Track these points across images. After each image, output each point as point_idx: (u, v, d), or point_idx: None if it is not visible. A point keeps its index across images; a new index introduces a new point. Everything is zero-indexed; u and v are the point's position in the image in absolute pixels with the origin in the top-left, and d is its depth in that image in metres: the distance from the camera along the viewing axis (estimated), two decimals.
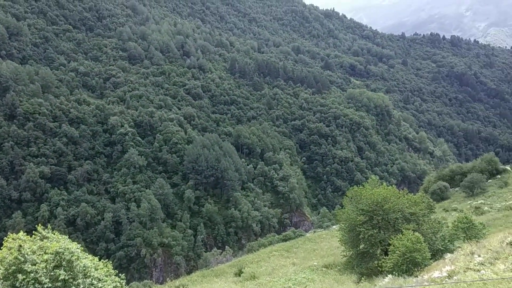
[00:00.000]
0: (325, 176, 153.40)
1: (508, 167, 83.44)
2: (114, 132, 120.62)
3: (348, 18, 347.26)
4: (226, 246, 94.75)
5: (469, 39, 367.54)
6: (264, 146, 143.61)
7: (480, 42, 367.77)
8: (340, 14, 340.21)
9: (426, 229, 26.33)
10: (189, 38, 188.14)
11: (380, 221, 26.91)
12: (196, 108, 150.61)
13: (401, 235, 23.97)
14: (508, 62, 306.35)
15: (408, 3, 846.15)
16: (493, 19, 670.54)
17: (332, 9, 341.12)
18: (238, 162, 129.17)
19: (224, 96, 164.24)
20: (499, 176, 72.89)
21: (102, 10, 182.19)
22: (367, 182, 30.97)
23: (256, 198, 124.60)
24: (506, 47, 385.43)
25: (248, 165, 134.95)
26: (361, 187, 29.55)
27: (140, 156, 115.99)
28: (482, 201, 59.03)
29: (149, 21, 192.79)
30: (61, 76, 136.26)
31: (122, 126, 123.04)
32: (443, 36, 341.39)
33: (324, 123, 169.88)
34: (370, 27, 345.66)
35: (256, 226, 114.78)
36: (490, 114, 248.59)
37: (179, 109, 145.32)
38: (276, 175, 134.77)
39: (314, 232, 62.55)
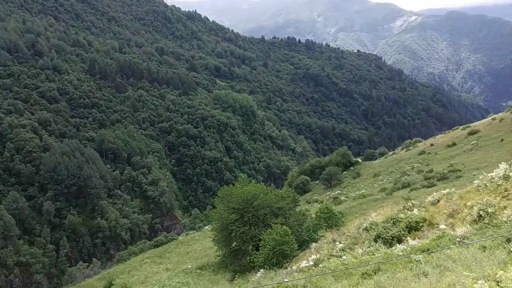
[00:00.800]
0: (195, 178, 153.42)
1: (359, 159, 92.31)
2: None
3: (211, 21, 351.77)
4: (94, 259, 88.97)
5: (322, 43, 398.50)
6: (131, 150, 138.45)
7: (331, 46, 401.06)
8: (203, 16, 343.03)
9: (293, 221, 27.65)
10: (40, 37, 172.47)
11: (250, 218, 27.55)
12: (53, 112, 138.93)
13: (270, 230, 24.76)
14: (355, 64, 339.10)
15: (266, 8, 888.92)
16: (341, 24, 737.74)
17: (194, 11, 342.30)
18: (102, 168, 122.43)
19: (84, 99, 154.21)
20: (352, 168, 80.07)
21: None
22: (237, 181, 31.54)
23: (124, 205, 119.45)
24: (353, 50, 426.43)
25: (114, 171, 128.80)
26: (231, 186, 29.96)
27: None
28: (339, 191, 64.29)
29: None
30: None
31: None
32: (299, 40, 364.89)
33: (192, 125, 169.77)
34: (232, 30, 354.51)
35: (126, 234, 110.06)
36: (342, 112, 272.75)
37: (32, 114, 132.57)
38: (145, 180, 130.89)
39: (187, 234, 61.95)
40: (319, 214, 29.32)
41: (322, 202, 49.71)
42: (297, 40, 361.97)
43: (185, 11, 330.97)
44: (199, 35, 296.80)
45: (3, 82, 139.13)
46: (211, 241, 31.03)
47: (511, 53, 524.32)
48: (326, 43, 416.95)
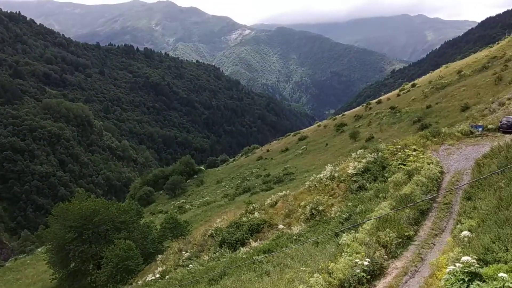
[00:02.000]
0: (24, 196, 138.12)
1: (202, 167, 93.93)
2: None
3: (38, 24, 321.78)
4: None
5: (161, 52, 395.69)
6: None
7: (170, 55, 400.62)
8: (28, 19, 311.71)
9: (137, 235, 26.81)
10: None
11: (90, 235, 25.85)
12: None
13: (113, 246, 23.61)
14: (195, 74, 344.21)
15: (101, 13, 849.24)
16: (180, 34, 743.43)
17: (18, 12, 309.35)
18: None
19: None
20: (195, 176, 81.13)
21: None
22: (74, 197, 29.33)
23: None
24: (192, 60, 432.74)
25: None
26: (67, 202, 27.73)
27: None
28: (184, 200, 64.49)
29: None
30: None
31: None
32: (137, 48, 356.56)
33: (18, 137, 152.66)
34: (63, 35, 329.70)
35: None
36: (184, 121, 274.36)
37: None
38: None
39: (16, 259, 55.70)
40: (164, 224, 29.02)
41: (167, 212, 49.24)
42: (135, 48, 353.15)
43: (7, 12, 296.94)
44: (24, 39, 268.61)
45: None
46: (46, 264, 28.29)
47: (331, 67, 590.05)
48: (166, 52, 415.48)
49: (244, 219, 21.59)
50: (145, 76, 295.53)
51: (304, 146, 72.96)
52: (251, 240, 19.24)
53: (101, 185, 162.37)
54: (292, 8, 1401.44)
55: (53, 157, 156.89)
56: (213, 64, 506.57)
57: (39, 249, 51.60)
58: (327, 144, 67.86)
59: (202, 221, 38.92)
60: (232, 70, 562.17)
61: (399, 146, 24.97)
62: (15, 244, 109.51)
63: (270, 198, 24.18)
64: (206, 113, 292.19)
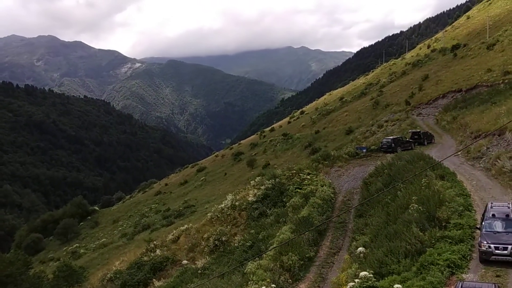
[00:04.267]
0: None
1: (96, 207, 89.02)
2: None
3: None
4: None
5: (45, 88, 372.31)
6: None
7: (55, 91, 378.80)
8: None
9: (28, 287, 24.41)
10: None
11: None
12: None
13: None
14: (83, 110, 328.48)
15: None
16: (65, 69, 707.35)
17: None
18: None
19: None
20: (89, 217, 76.58)
21: None
22: None
23: None
24: (79, 96, 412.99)
25: None
26: None
27: None
28: (77, 244, 60.32)
29: None
30: None
31: None
32: (17, 85, 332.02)
33: None
34: None
35: None
36: (73, 159, 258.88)
37: None
38: None
39: None
40: (57, 273, 26.86)
41: (59, 260, 45.74)
42: (14, 85, 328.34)
43: None
44: None
45: None
46: None
47: (224, 97, 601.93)
48: (50, 89, 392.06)
49: (145, 258, 20.80)
50: (27, 114, 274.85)
51: (203, 177, 72.86)
52: (154, 280, 18.55)
53: None
54: (182, 41, 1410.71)
55: None
56: (103, 98, 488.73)
57: None
58: (225, 174, 68.51)
59: (100, 265, 36.74)
60: (124, 104, 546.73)
61: (294, 171, 26.10)
62: None
63: (172, 233, 23.66)
64: (97, 150, 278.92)
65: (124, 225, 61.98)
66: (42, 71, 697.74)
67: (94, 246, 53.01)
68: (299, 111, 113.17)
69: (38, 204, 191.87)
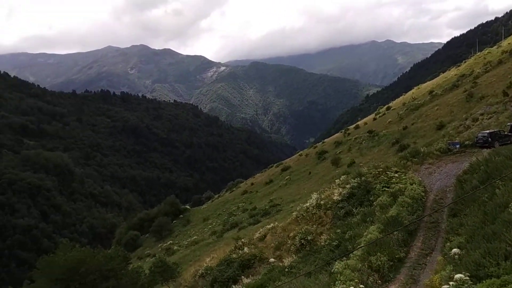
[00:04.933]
0: (6, 251, 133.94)
1: (187, 206, 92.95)
2: None
3: (12, 76, 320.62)
4: None
5: (138, 94, 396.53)
6: None
7: (148, 97, 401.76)
8: (2, 72, 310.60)
9: (126, 282, 26.14)
10: None
11: (78, 286, 25.12)
12: None
13: None
14: (173, 114, 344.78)
15: (75, 62, 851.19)
16: (156, 76, 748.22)
17: None
18: None
19: None
20: (181, 215, 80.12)
21: None
22: (58, 248, 28.59)
23: None
24: (170, 100, 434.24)
25: None
26: (51, 255, 26.99)
27: None
28: (171, 241, 63.34)
29: None
30: None
31: None
32: (113, 93, 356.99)
33: None
34: (38, 85, 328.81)
35: None
36: (166, 161, 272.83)
37: None
38: None
39: None
40: (153, 268, 28.42)
41: (155, 256, 48.27)
42: (111, 93, 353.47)
43: None
44: None
45: None
46: None
47: (307, 96, 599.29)
48: (143, 95, 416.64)
49: (234, 255, 21.35)
50: (123, 120, 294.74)
51: (288, 176, 73.07)
52: (242, 276, 18.98)
53: (86, 233, 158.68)
54: (264, 43, 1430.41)
55: (34, 209, 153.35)
56: (191, 102, 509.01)
57: None
58: (310, 173, 68.12)
59: (192, 261, 38.27)
60: (211, 107, 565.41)
61: (381, 169, 25.27)
62: None
63: (259, 232, 24.03)
64: (187, 152, 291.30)
65: (214, 223, 63.98)
66: (135, 78, 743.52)
67: (186, 243, 55.19)
68: (385, 107, 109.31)
69: (135, 203, 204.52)
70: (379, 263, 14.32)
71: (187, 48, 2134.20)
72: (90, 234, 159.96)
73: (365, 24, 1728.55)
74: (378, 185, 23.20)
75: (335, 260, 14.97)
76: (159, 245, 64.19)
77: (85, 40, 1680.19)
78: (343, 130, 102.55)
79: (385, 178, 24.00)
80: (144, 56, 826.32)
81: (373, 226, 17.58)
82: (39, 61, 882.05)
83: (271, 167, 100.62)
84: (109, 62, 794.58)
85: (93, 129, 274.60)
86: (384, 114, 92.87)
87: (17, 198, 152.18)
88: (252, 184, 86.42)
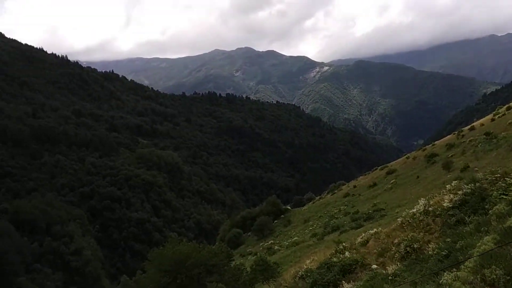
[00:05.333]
0: (122, 242, 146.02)
1: (288, 207, 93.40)
2: None
3: (129, 80, 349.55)
4: None
5: (242, 96, 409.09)
6: (50, 219, 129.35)
7: (251, 98, 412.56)
8: (120, 76, 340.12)
9: (228, 278, 26.91)
10: None
11: (184, 279, 26.42)
12: None
13: None
14: (276, 115, 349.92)
15: (185, 65, 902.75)
16: (260, 78, 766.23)
17: (111, 71, 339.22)
18: (19, 242, 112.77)
19: None
20: (282, 216, 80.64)
21: None
22: (167, 241, 30.35)
23: (45, 280, 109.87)
24: (272, 101, 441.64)
25: (32, 243, 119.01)
26: (161, 247, 28.75)
27: None
28: (272, 241, 64.01)
29: None
30: None
31: None
32: (220, 94, 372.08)
33: (115, 187, 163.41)
34: (152, 88, 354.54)
35: None
36: (268, 161, 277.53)
37: None
38: (67, 250, 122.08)
39: None
40: (254, 267, 28.84)
41: (256, 254, 49.10)
42: (218, 94, 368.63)
43: (102, 72, 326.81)
44: (118, 95, 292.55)
45: None
46: None
47: (415, 96, 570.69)
48: (247, 96, 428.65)
49: (334, 259, 20.88)
50: (228, 120, 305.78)
51: (393, 180, 69.95)
52: (343, 281, 18.46)
53: (192, 228, 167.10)
54: (369, 40, 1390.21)
55: (147, 203, 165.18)
56: (293, 103, 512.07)
57: None
58: (418, 177, 64.51)
59: (292, 262, 38.25)
60: (313, 108, 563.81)
61: (499, 175, 23.06)
62: None
63: (361, 236, 23.26)
64: (289, 152, 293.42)
65: (314, 225, 63.45)
66: (240, 80, 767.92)
67: (287, 243, 55.35)
68: (505, 106, 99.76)
69: (238, 201, 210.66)
70: (494, 276, 13.00)
71: (291, 49, 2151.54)
72: (196, 230, 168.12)
73: (482, 16, 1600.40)
74: (495, 192, 21.13)
75: (444, 271, 13.91)
76: (261, 244, 65.21)
77: (194, 44, 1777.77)
78: (456, 132, 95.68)
79: (504, 184, 21.81)
80: (249, 58, 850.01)
81: (488, 237, 16.06)
82: (153, 65, 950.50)
83: (375, 169, 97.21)
84: (216, 65, 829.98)
85: (200, 129, 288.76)
86: (504, 114, 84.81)
87: (132, 193, 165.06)
88: (354, 186, 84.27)
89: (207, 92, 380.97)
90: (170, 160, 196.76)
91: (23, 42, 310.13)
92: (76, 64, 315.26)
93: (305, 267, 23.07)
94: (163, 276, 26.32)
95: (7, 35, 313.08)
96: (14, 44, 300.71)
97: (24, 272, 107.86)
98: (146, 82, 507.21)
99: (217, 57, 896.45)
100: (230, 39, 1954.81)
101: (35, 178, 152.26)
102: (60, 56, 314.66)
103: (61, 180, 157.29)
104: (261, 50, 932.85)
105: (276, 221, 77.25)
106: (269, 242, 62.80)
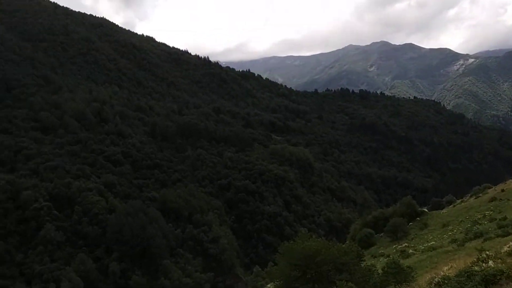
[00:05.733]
0: (255, 234, 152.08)
1: (425, 209, 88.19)
2: (27, 207, 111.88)
3: (264, 78, 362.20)
4: None
5: (377, 92, 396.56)
6: (191, 208, 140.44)
7: (386, 94, 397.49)
8: (256, 75, 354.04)
9: (358, 278, 26.45)
10: (106, 104, 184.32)
11: (313, 274, 26.66)
12: (117, 175, 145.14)
13: (335, 287, 23.79)
14: (413, 111, 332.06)
15: (318, 62, 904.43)
16: (396, 72, 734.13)
17: (247, 70, 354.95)
18: (165, 228, 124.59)
19: (146, 161, 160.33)
20: (418, 218, 76.41)
21: (11, 80, 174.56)
22: (298, 236, 30.91)
23: (186, 264, 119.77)
24: (409, 97, 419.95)
25: (176, 230, 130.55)
26: (292, 242, 29.37)
27: (57, 232, 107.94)
28: (406, 244, 61.11)
29: (62, 90, 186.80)
30: None
31: (36, 200, 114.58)
32: (352, 90, 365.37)
33: (250, 180, 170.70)
34: (285, 86, 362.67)
35: None
36: (403, 160, 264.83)
37: (99, 177, 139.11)
38: (206, 238, 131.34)
39: None
40: (386, 269, 27.93)
41: (388, 256, 47.43)
42: (350, 91, 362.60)
43: (239, 71, 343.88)
44: (254, 93, 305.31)
45: (72, 148, 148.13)
46: None
47: None
48: (381, 92, 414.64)
49: (476, 268, 19.21)
50: (361, 117, 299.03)
51: None
52: None
53: (322, 225, 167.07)
54: None
55: (279, 198, 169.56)
56: (433, 99, 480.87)
57: (268, 285, 55.43)
58: None
59: (427, 267, 36.14)
60: (455, 103, 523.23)
61: None
62: (248, 278, 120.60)
63: (508, 245, 21.04)
64: (427, 151, 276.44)
65: (454, 230, 59.00)
66: (374, 75, 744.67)
67: (423, 248, 52.50)
68: None
69: (370, 201, 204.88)
70: None
71: (431, 41, 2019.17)
72: (327, 227, 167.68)
73: None
74: None
75: None
76: (394, 246, 62.74)
77: (328, 41, 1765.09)
78: None
79: None
80: (384, 52, 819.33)
81: None
82: (287, 63, 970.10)
83: None
84: (350, 60, 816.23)
85: (332, 126, 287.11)
86: None
87: (265, 187, 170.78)
88: (502, 190, 76.21)
89: (339, 88, 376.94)
90: (301, 156, 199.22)
91: (171, 45, 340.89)
92: (217, 64, 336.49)
93: (442, 273, 21.61)
94: (293, 269, 26.90)
95: (157, 39, 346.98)
96: (163, 47, 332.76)
97: (168, 256, 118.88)
98: (280, 80, 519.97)
99: (351, 52, 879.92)
100: (365, 34, 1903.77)
101: (180, 170, 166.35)
102: (203, 57, 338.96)
103: (202, 172, 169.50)
104: (397, 44, 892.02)
105: (411, 223, 73.57)
106: (403, 245, 60.10)
